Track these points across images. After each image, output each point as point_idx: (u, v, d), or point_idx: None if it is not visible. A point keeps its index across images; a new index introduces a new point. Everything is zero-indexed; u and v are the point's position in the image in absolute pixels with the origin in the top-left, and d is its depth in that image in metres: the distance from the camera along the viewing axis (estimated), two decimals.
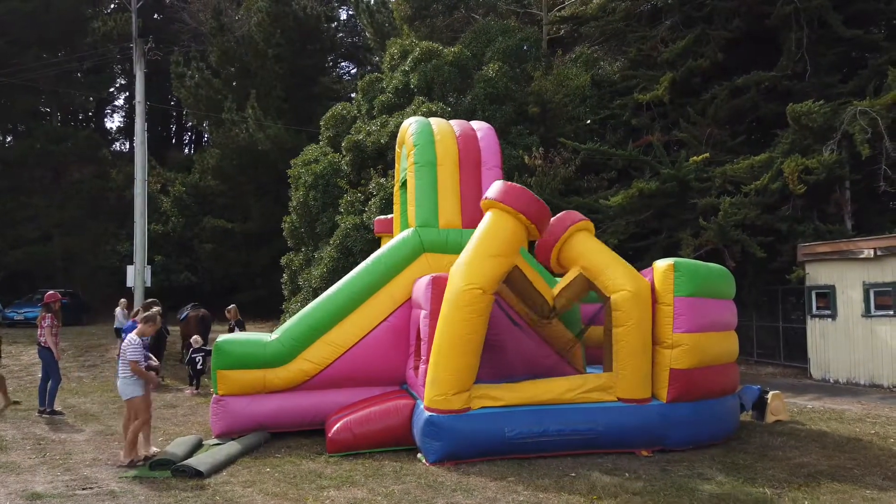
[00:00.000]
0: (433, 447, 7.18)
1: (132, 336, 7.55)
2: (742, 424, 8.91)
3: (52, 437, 8.93)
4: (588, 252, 8.17)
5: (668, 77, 17.82)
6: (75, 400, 12.03)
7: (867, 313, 13.19)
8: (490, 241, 7.49)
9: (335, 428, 7.80)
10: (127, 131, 40.46)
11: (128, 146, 40.60)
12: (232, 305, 14.26)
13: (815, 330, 14.19)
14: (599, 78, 19.92)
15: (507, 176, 16.18)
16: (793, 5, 16.74)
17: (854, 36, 16.86)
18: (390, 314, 8.87)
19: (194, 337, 13.84)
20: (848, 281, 13.53)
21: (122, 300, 17.90)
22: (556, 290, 8.19)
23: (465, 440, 7.16)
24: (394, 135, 16.64)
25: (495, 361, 8.19)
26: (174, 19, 37.18)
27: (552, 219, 8.25)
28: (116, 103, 41.91)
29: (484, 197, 7.91)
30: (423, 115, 15.81)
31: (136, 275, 19.66)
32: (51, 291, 11.38)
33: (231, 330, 13.59)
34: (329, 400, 8.60)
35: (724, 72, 18.12)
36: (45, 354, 10.64)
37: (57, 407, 10.74)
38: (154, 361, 8.32)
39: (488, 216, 7.74)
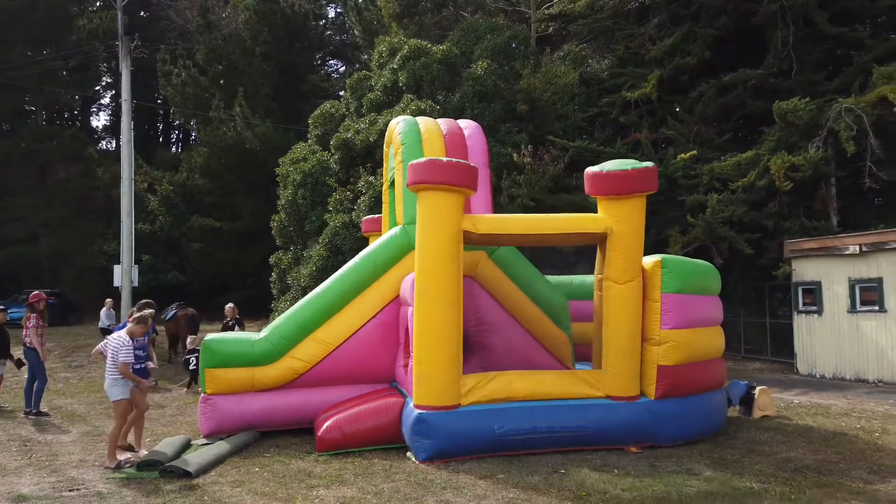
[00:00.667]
0: (423, 445, 7.18)
1: (123, 337, 7.44)
2: (730, 420, 8.98)
3: (38, 439, 8.86)
4: (629, 226, 7.65)
5: (655, 75, 17.89)
6: (62, 401, 11.93)
7: (853, 309, 13.31)
8: (431, 224, 7.37)
9: (324, 427, 7.78)
10: (113, 130, 40.10)
11: (114, 145, 40.25)
12: (230, 304, 13.98)
13: (802, 326, 14.30)
14: (588, 76, 19.95)
15: (496, 174, 16.24)
16: (779, 3, 16.84)
17: (839, 34, 16.99)
18: (379, 311, 8.85)
19: (191, 337, 13.73)
20: (834, 277, 13.65)
21: (108, 300, 17.76)
22: (568, 221, 7.94)
23: (455, 438, 7.17)
24: (382, 133, 16.59)
25: (484, 359, 8.21)
26: (160, 17, 36.86)
27: (629, 169, 7.70)
28: (102, 101, 41.59)
29: (408, 185, 7.66)
30: (411, 113, 15.80)
31: (124, 274, 19.54)
32: (36, 291, 11.30)
33: (230, 328, 13.28)
34: (318, 398, 8.57)
35: (711, 69, 18.21)
36: (31, 355, 10.56)
37: (43, 408, 10.66)
38: (154, 364, 8.27)
39: (418, 201, 7.57)
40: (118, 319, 17.12)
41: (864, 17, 18.56)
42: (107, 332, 16.88)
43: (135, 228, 20.97)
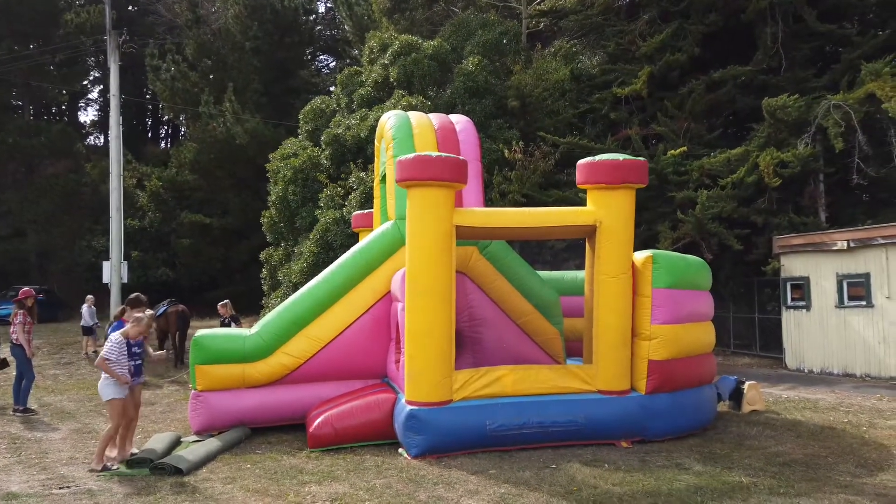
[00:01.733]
0: (415, 441, 7.19)
1: (116, 337, 7.31)
2: (719, 414, 9.03)
3: (27, 436, 8.80)
4: (618, 219, 7.63)
5: (646, 71, 17.94)
6: (51, 398, 11.85)
7: (840, 304, 13.43)
8: (421, 219, 7.36)
9: (316, 423, 7.77)
10: (102, 125, 39.83)
11: (103, 140, 39.99)
12: (225, 301, 13.84)
13: (790, 321, 14.41)
14: (578, 72, 19.98)
15: (487, 169, 16.24)
16: (768, 0, 16.93)
17: (827, 31, 17.08)
18: (371, 307, 8.83)
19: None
20: (822, 272, 13.76)
21: (89, 297, 17.50)
22: (557, 214, 7.92)
23: (447, 433, 7.18)
24: (373, 128, 16.56)
25: (476, 354, 8.22)
26: (149, 11, 36.63)
27: (621, 159, 7.75)
28: (91, 96, 41.33)
29: (397, 181, 7.61)
30: (402, 108, 15.76)
31: (113, 271, 19.44)
32: (25, 288, 11.22)
33: (226, 326, 13.13)
34: (310, 394, 8.55)
35: (701, 66, 18.28)
36: (18, 352, 10.48)
37: (31, 405, 10.59)
38: (152, 354, 8.20)
39: (408, 197, 7.53)
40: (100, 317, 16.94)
41: (853, 14, 18.66)
42: (89, 330, 16.74)
43: (124, 224, 20.85)
